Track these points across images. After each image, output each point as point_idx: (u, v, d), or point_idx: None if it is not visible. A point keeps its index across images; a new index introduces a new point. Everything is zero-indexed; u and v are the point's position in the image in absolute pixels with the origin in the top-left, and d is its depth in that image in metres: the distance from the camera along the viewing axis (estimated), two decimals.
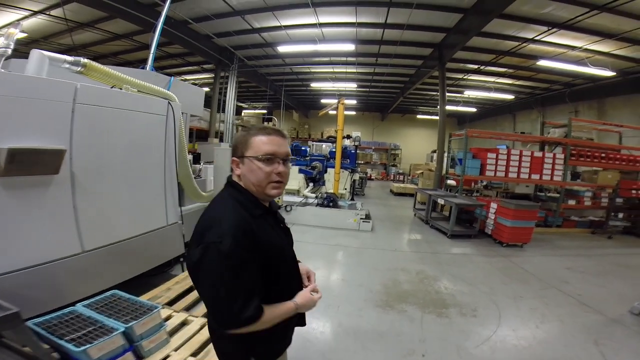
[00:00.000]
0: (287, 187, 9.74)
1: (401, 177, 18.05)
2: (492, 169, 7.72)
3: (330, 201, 7.25)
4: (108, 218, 2.97)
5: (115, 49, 12.24)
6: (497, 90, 14.74)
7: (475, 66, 12.18)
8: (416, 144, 22.80)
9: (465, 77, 13.56)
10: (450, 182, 9.65)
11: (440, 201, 7.39)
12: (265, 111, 20.69)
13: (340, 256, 5.34)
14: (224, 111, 13.29)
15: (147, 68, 4.45)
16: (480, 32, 8.51)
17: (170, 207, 3.86)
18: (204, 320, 2.62)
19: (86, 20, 9.74)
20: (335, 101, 8.63)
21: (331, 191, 8.78)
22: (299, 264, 1.37)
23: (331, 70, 14.15)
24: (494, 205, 6.81)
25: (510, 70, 12.45)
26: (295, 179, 9.59)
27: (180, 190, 4.19)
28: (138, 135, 3.23)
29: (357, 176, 10.61)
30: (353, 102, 19.38)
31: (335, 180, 8.61)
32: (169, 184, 3.83)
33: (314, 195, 7.85)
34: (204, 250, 1.00)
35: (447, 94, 11.43)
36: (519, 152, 7.90)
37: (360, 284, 4.21)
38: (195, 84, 15.34)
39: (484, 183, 10.11)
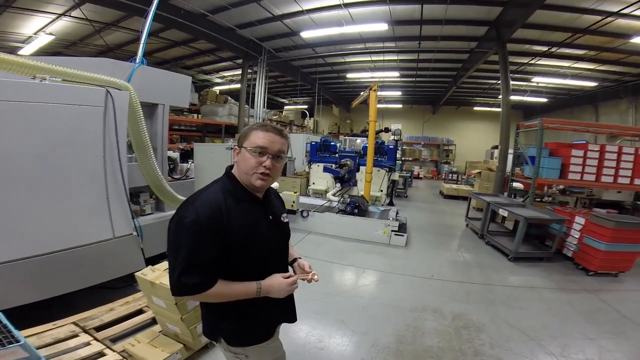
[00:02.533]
0: (314, 187, 8.74)
1: (454, 177, 15.83)
2: (577, 170, 5.77)
3: (355, 207, 5.94)
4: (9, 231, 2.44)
5: (149, 47, 12.22)
6: (573, 76, 12.17)
7: (545, 48, 10.01)
8: (473, 139, 20.20)
9: (532, 61, 11.22)
10: (517, 185, 7.71)
11: (503, 212, 5.64)
12: (306, 106, 19.91)
13: (352, 284, 4.03)
14: (265, 107, 12.67)
15: (137, 59, 3.98)
16: (546, 5, 6.83)
17: (118, 217, 3.15)
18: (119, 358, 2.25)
19: (109, 20, 9.70)
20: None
21: (360, 194, 7.48)
22: (298, 259, 1.48)
23: (369, 59, 12.71)
24: (579, 221, 4.94)
25: (591, 53, 9.99)
26: (324, 178, 8.43)
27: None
28: (57, 132, 2.65)
29: (396, 176, 9.09)
30: (397, 93, 17.61)
31: (366, 181, 7.27)
32: (113, 190, 3.11)
33: (337, 198, 6.59)
34: (173, 221, 1.15)
35: (512, 82, 9.42)
36: (618, 149, 5.81)
37: (364, 333, 2.93)
38: (232, 81, 15.05)
39: (560, 187, 7.94)
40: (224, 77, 16.92)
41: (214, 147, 3.88)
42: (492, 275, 4.54)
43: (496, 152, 16.40)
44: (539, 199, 8.63)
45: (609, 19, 7.56)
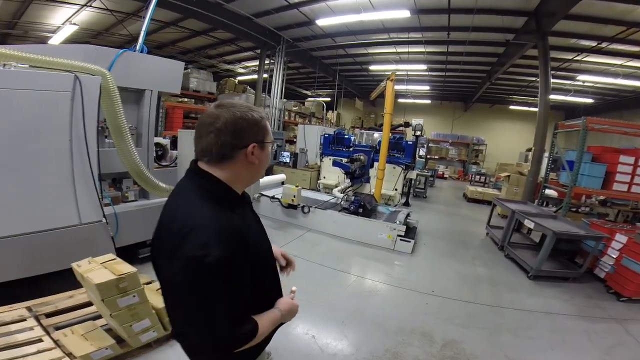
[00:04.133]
0: (324, 181, 8.34)
1: (481, 179, 14.79)
2: (624, 180, 4.98)
3: (359, 206, 5.49)
4: None
5: (171, 36, 12.33)
6: (625, 76, 10.86)
7: (594, 43, 8.91)
8: (507, 140, 18.86)
9: (578, 57, 10.09)
10: (550, 192, 6.90)
11: (528, 224, 4.93)
12: (328, 99, 19.49)
13: (338, 293, 3.61)
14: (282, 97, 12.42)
15: (138, 46, 3.99)
16: None
17: (85, 204, 3.04)
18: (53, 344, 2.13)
19: (130, 10, 9.77)
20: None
21: (372, 192, 7.00)
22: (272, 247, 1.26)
23: (393, 50, 12.00)
24: (620, 239, 4.21)
25: None
26: (335, 172, 8.04)
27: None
28: (23, 117, 2.61)
29: (413, 174, 8.48)
30: (425, 88, 16.69)
31: (378, 179, 6.79)
32: (81, 176, 3.00)
33: (342, 195, 6.16)
34: (185, 267, 0.79)
35: (553, 79, 8.46)
36: None
37: (332, 354, 2.55)
38: (255, 71, 14.93)
39: (601, 197, 7.02)
40: (246, 67, 16.83)
41: (190, 135, 3.60)
42: (504, 295, 3.96)
43: (531, 155, 15.22)
44: (574, 209, 7.73)
45: None
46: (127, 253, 3.31)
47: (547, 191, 6.93)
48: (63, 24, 10.37)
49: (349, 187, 7.38)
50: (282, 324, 1.09)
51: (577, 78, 12.01)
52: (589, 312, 3.72)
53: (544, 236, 4.96)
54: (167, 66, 4.23)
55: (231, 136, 0.89)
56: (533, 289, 4.25)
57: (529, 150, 15.87)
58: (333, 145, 8.66)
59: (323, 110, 16.68)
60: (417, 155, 9.06)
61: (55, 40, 11.07)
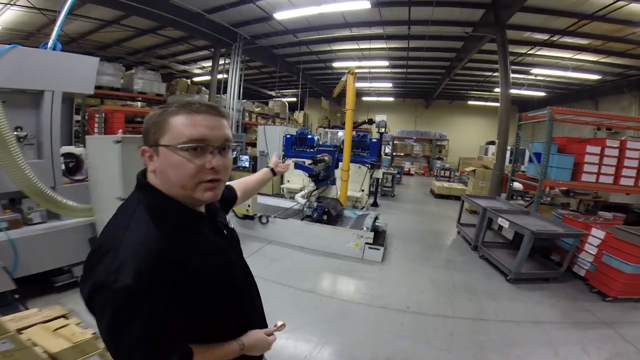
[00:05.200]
0: (288, 186, 7.76)
1: (446, 174, 14.92)
2: (592, 171, 4.85)
3: (323, 213, 4.97)
4: None
5: (114, 36, 11.17)
6: (575, 69, 11.26)
7: (546, 36, 9.10)
8: (467, 135, 19.39)
9: (531, 51, 10.34)
10: (517, 185, 6.80)
11: (502, 223, 4.64)
12: (294, 99, 18.91)
13: (302, 321, 3.06)
14: (240, 97, 11.61)
15: (50, 43, 3.57)
16: None
17: None
18: None
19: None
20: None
21: (337, 195, 6.53)
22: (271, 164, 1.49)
23: (356, 47, 11.69)
24: (598, 234, 4.03)
25: (597, 43, 9.11)
26: (300, 175, 7.46)
27: None
28: None
29: (379, 173, 8.13)
30: (388, 85, 16.63)
31: (343, 180, 6.34)
32: None
33: (305, 201, 5.61)
34: (93, 290, 0.70)
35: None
36: None
37: None
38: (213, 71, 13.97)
39: (563, 188, 7.06)
40: (203, 67, 15.83)
41: (103, 141, 2.92)
42: (485, 304, 3.61)
43: (491, 148, 15.60)
44: (531, 198, 7.77)
45: (621, 2, 6.70)
46: (39, 282, 2.96)
47: (515, 184, 6.83)
48: None
49: (313, 191, 6.86)
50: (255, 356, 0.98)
51: (531, 72, 12.39)
52: (577, 316, 3.46)
53: (517, 233, 4.75)
54: (76, 63, 3.56)
55: (143, 138, 0.83)
56: (514, 293, 3.96)
57: (490, 143, 16.36)
58: (296, 146, 8.11)
59: (284, 109, 16.10)
60: (382, 153, 8.73)
61: None
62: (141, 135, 0.83)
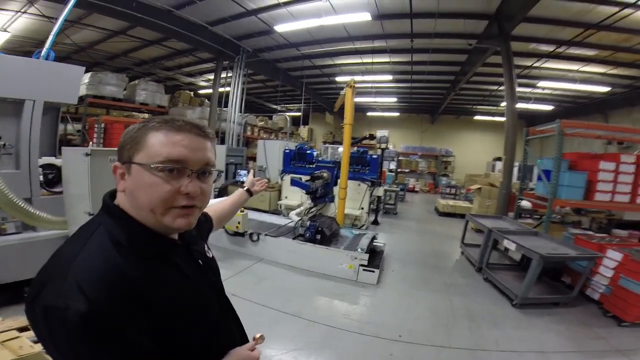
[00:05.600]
0: (286, 202, 7.53)
1: (452, 191, 14.57)
2: (606, 190, 4.54)
3: (316, 232, 4.71)
4: None
5: (121, 46, 11.34)
6: (583, 81, 10.99)
7: (552, 47, 8.93)
8: (474, 151, 19.07)
9: (537, 63, 10.18)
10: (525, 204, 6.48)
11: (509, 245, 4.30)
12: (299, 114, 18.93)
13: (280, 349, 2.78)
14: (242, 111, 11.61)
15: (44, 51, 3.78)
16: None
17: None
18: None
19: (70, 18, 8.82)
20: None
21: (333, 214, 6.30)
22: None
23: (359, 61, 11.66)
24: (614, 256, 3.70)
25: (604, 53, 8.93)
26: (298, 192, 7.25)
27: None
28: None
29: (380, 191, 7.87)
30: (393, 99, 16.52)
31: (340, 198, 6.10)
32: None
33: (298, 219, 5.37)
34: (41, 315, 0.60)
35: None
36: None
37: None
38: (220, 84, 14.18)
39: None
40: (208, 79, 15.96)
41: (75, 153, 2.76)
42: (486, 332, 3.28)
43: (499, 165, 15.24)
44: (540, 217, 7.40)
45: (627, 10, 6.54)
46: (11, 292, 2.87)
47: (523, 202, 6.50)
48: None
49: (310, 208, 6.64)
50: None
51: (538, 85, 12.16)
52: (588, 344, 3.13)
53: (525, 260, 4.45)
54: (60, 73, 3.52)
55: (117, 153, 0.75)
56: (519, 320, 3.63)
57: (497, 159, 16.02)
58: (295, 161, 7.94)
59: (287, 124, 16.05)
60: (386, 170, 8.49)
61: None
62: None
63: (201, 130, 0.75)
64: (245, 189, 1.52)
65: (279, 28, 8.34)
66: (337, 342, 2.93)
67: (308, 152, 7.89)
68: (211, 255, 0.96)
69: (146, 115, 10.75)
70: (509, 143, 7.53)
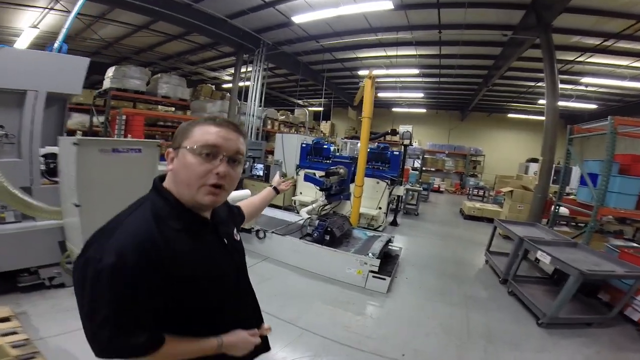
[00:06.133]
0: (300, 198, 7.30)
1: (479, 193, 13.76)
2: None
3: (325, 232, 4.44)
4: None
5: (146, 40, 11.56)
6: (634, 78, 9.92)
7: (598, 40, 8.07)
8: (505, 151, 17.95)
9: (580, 58, 9.26)
10: (563, 210, 5.86)
11: (543, 257, 3.74)
12: (321, 109, 18.69)
13: None
14: (262, 104, 11.51)
15: (56, 44, 3.75)
16: None
17: None
18: None
19: (95, 13, 9.15)
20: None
21: (349, 212, 6.00)
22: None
23: (383, 54, 11.16)
24: None
25: None
26: (312, 187, 7.02)
27: None
28: None
29: (401, 190, 7.45)
30: (419, 95, 15.81)
31: (355, 197, 5.79)
32: None
33: (313, 216, 5.09)
34: (82, 265, 0.78)
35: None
36: None
37: None
38: (242, 78, 14.34)
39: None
40: (232, 74, 16.04)
41: (66, 142, 2.67)
42: (504, 355, 2.89)
43: (533, 166, 14.18)
44: (577, 224, 6.71)
45: None
46: (4, 280, 2.91)
47: (562, 208, 5.86)
48: (33, 27, 9.69)
49: (324, 205, 6.39)
50: (264, 348, 1.10)
51: (581, 81, 11.11)
52: None
53: (558, 275, 3.95)
54: (64, 64, 3.54)
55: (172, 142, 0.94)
56: (544, 341, 3.19)
57: (531, 160, 14.93)
58: (311, 156, 7.70)
59: (311, 119, 15.83)
60: (410, 168, 8.04)
61: (20, 44, 10.32)
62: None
63: (236, 127, 0.92)
64: (272, 187, 1.67)
65: (297, 19, 8.07)
66: (328, 358, 2.65)
67: (325, 146, 7.63)
68: (239, 239, 1.11)
69: (168, 108, 10.93)
70: (547, 143, 6.79)
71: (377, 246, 4.36)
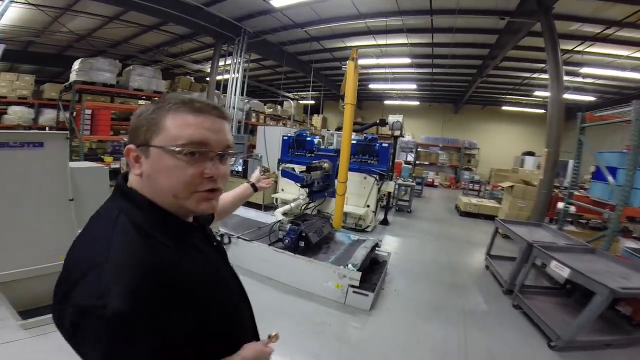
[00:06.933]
0: (281, 196, 6.57)
1: (475, 187, 13.27)
2: None
3: (299, 238, 3.82)
4: None
5: (120, 32, 10.78)
6: (635, 69, 9.46)
7: (599, 28, 7.54)
8: (500, 144, 17.53)
9: (579, 47, 8.69)
10: (571, 209, 5.32)
11: (561, 271, 3.08)
12: (312, 102, 18.05)
13: None
14: (244, 95, 10.84)
15: None
16: None
17: None
18: None
19: (60, 5, 8.44)
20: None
21: (332, 212, 5.42)
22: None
23: (373, 43, 10.53)
24: None
25: None
26: (294, 184, 6.43)
27: None
28: None
29: (391, 186, 6.84)
30: (412, 86, 15.22)
31: (338, 195, 5.18)
32: None
33: (284, 218, 4.46)
34: (77, 317, 0.58)
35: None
36: None
37: None
38: (227, 70, 13.61)
39: None
40: (218, 66, 15.32)
41: None
42: None
43: (529, 160, 13.71)
44: (587, 223, 6.21)
45: None
46: None
47: (572, 207, 5.29)
48: None
49: (306, 204, 5.80)
50: None
51: (580, 71, 10.60)
52: None
53: (578, 290, 3.40)
54: None
55: (129, 136, 0.73)
56: None
57: (527, 153, 14.45)
58: (293, 149, 7.08)
59: (297, 111, 15.17)
60: (394, 161, 7.42)
61: None
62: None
63: (221, 111, 0.73)
64: (250, 183, 1.48)
65: (276, 2, 7.40)
66: None
67: (308, 139, 6.99)
68: (219, 240, 0.95)
69: (142, 102, 10.21)
70: (552, 133, 6.15)
71: (360, 254, 3.74)
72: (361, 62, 12.06)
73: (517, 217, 6.75)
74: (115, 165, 7.20)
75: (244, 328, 0.89)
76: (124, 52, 13.16)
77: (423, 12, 8.00)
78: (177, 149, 0.65)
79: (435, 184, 15.60)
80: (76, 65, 7.97)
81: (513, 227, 4.49)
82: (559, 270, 3.06)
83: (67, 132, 2.63)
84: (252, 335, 0.93)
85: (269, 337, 0.94)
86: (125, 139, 8.25)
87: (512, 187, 7.20)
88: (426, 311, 3.46)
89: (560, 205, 5.89)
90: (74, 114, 7.71)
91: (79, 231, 0.70)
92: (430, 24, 8.48)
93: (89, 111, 7.49)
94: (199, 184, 0.69)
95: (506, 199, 7.62)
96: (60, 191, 2.59)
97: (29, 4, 8.01)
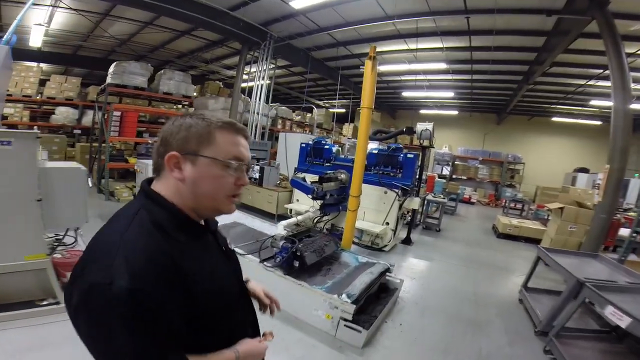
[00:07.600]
0: (295, 206, 5.99)
1: (518, 206, 12.00)
2: None
3: (293, 258, 3.38)
4: None
5: (156, 37, 11.27)
6: None
7: None
8: (548, 159, 15.87)
9: None
10: (622, 232, 4.42)
11: (621, 322, 2.31)
12: (342, 110, 17.76)
13: None
14: (269, 101, 10.80)
15: (5, 36, 3.28)
16: None
17: None
18: None
19: (100, 10, 8.99)
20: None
21: (343, 227, 4.96)
22: (250, 285, 1.15)
23: (405, 47, 9.95)
24: None
25: None
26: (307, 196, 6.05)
27: None
28: None
29: (415, 203, 6.13)
30: (449, 94, 14.29)
31: (350, 210, 4.69)
32: None
33: (278, 234, 4.03)
34: (84, 294, 0.64)
35: (603, 82, 5.94)
36: None
37: None
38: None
39: None
40: (248, 72, 15.54)
41: None
42: None
43: (582, 177, 12.15)
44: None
45: None
46: None
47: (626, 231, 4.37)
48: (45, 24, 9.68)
49: (319, 217, 5.41)
50: None
51: None
52: None
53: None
54: None
55: (161, 142, 0.82)
56: None
57: (580, 170, 12.86)
58: (310, 157, 6.71)
59: (314, 116, 14.90)
60: (420, 174, 6.74)
61: (33, 42, 10.36)
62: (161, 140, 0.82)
63: (246, 133, 0.89)
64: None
65: (295, 4, 7.17)
66: None
67: (326, 147, 6.58)
68: (232, 248, 1.03)
69: (172, 105, 10.49)
70: (617, 147, 5.13)
71: (362, 281, 3.20)
72: (392, 68, 11.62)
73: (566, 243, 5.79)
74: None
75: (243, 329, 0.94)
76: (162, 57, 13.80)
77: (457, 12, 7.35)
78: (227, 162, 0.80)
79: (472, 200, 14.40)
80: (111, 68, 8.31)
81: (560, 258, 3.68)
82: (617, 318, 2.34)
83: (38, 131, 2.47)
84: (253, 337, 0.96)
85: (264, 334, 1.01)
86: (150, 141, 8.41)
87: (561, 209, 6.17)
88: (433, 351, 2.85)
89: (624, 231, 4.91)
90: (105, 115, 7.98)
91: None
92: (467, 25, 7.77)
93: (117, 113, 7.71)
94: (234, 190, 0.83)
95: (554, 222, 6.57)
96: (27, 191, 2.47)
97: (70, 8, 8.51)
